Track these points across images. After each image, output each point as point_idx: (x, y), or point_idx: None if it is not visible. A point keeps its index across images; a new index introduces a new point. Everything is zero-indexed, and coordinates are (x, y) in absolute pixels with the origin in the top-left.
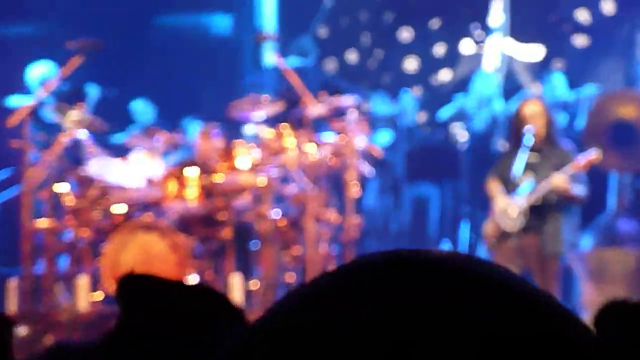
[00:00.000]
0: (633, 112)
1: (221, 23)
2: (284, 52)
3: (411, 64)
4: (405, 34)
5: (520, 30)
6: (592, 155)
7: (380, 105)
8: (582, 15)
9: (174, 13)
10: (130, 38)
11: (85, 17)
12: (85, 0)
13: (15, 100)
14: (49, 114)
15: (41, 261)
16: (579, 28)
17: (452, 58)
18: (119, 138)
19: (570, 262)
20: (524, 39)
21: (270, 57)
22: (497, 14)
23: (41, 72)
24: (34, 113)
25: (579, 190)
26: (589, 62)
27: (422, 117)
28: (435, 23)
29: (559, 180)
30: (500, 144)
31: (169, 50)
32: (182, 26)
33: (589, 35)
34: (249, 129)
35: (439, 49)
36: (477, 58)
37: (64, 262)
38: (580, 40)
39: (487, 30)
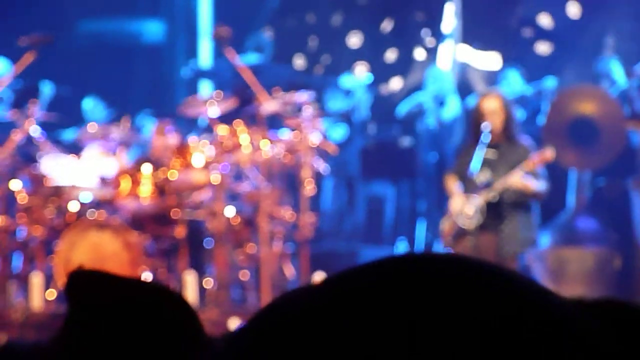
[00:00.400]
0: (593, 109)
1: (155, 27)
2: (238, 49)
3: (361, 71)
4: (354, 39)
5: (476, 36)
6: (546, 153)
7: (334, 100)
8: (545, 20)
9: (107, 17)
10: (78, 36)
11: (29, 15)
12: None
13: None
14: (3, 111)
15: None
16: (542, 34)
17: (404, 64)
18: (70, 134)
19: (529, 261)
20: (481, 46)
21: (227, 53)
22: (449, 19)
23: None
24: None
25: (539, 185)
26: (551, 69)
27: (372, 128)
28: (386, 26)
29: (515, 177)
30: (458, 140)
31: (105, 51)
32: (119, 29)
33: (552, 41)
34: (202, 126)
35: (390, 55)
36: (429, 65)
37: (17, 260)
38: (542, 47)
39: (440, 37)
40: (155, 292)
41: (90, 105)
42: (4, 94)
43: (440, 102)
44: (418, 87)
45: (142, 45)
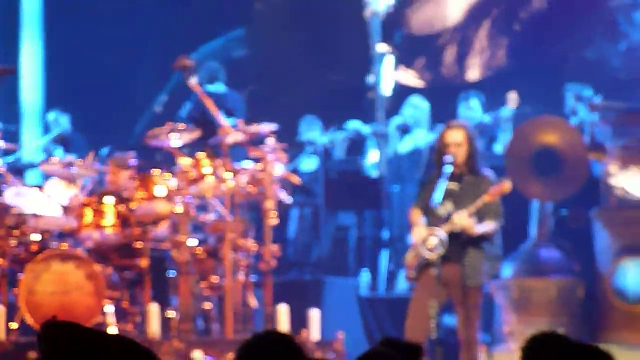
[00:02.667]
0: (556, 139)
1: None
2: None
3: None
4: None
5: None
6: (503, 186)
7: (310, 131)
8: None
9: None
10: None
11: None
12: None
13: None
14: None
15: None
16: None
17: None
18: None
19: (492, 291)
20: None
21: (191, 84)
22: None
23: None
24: None
25: (483, 227)
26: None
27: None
28: None
29: (460, 218)
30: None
31: None
32: None
33: None
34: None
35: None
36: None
37: None
38: None
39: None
40: (123, 345)
41: (53, 116)
42: None
43: (403, 131)
44: None
45: None
